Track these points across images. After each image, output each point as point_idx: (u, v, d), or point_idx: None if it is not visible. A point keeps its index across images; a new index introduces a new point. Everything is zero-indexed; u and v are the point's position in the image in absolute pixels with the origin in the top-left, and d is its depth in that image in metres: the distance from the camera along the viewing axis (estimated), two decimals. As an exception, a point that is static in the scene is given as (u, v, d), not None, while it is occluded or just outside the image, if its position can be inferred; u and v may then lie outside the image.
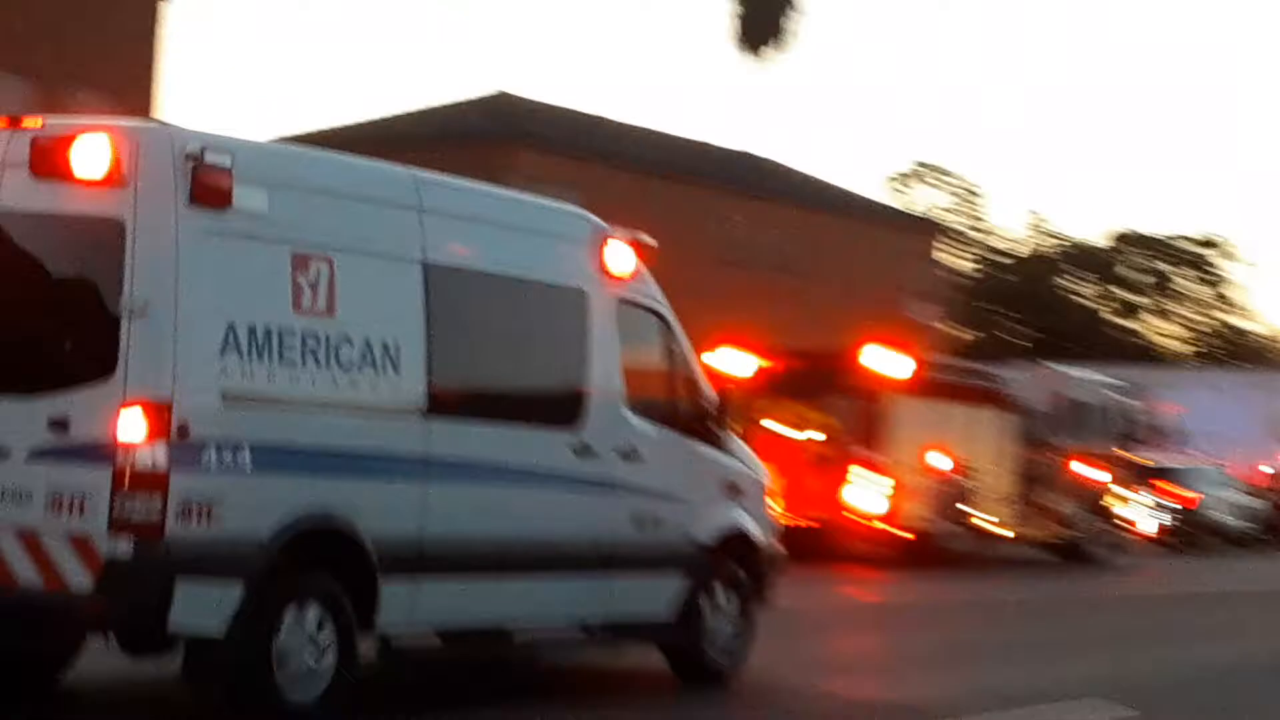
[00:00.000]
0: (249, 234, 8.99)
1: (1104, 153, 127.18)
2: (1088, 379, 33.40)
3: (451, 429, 9.89)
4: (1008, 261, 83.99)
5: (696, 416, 11.78)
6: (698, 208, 44.91)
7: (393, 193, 9.98)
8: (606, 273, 11.20)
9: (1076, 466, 30.69)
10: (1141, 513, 33.43)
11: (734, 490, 12.06)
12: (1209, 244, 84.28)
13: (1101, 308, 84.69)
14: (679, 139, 50.57)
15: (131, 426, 8.49)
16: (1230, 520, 40.01)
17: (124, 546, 8.49)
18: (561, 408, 10.79)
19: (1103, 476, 31.31)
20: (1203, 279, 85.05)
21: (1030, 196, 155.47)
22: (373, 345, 9.47)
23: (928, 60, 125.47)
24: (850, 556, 25.82)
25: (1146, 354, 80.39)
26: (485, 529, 10.13)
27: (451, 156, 40.46)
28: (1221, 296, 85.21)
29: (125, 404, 8.50)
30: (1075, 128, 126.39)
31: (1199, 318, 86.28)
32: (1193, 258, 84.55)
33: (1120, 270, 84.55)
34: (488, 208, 10.79)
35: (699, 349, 12.81)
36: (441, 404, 9.83)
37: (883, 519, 25.48)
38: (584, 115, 48.09)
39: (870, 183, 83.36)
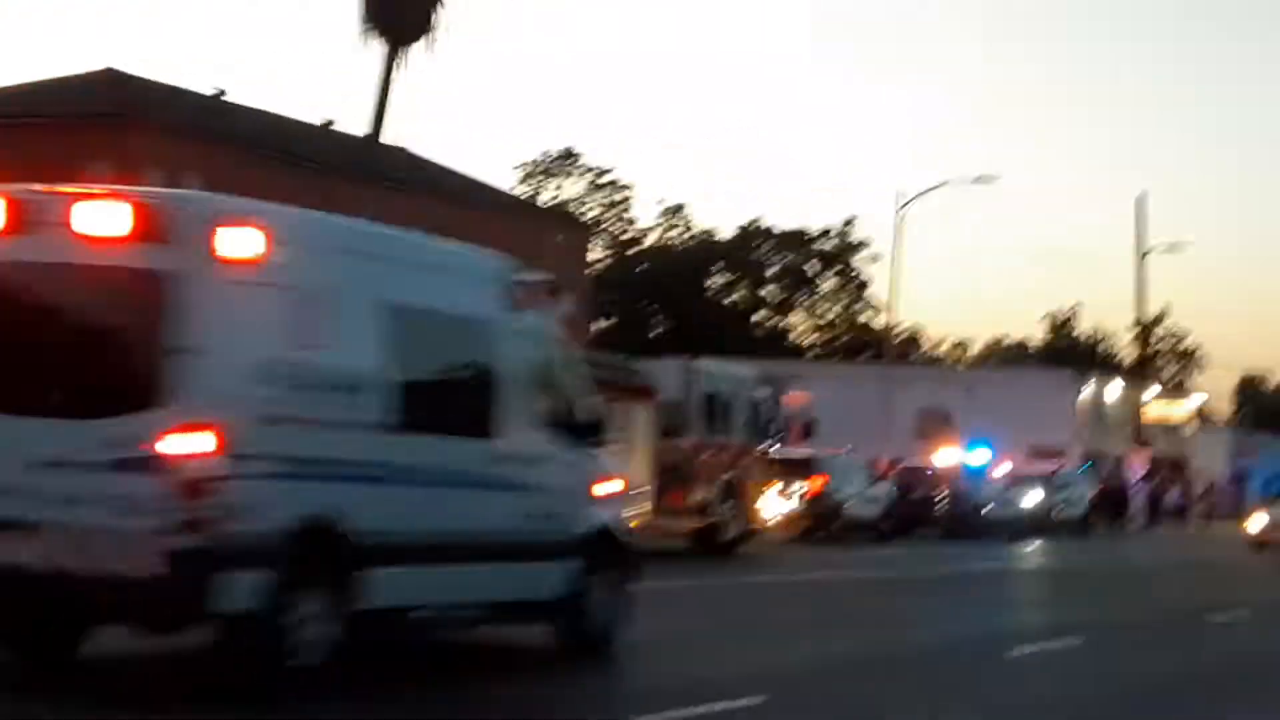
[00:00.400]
0: (265, 283, 10.95)
1: (751, 147, 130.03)
2: (724, 371, 33.81)
3: (407, 441, 11.95)
4: (642, 252, 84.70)
5: (578, 428, 14.01)
6: (322, 196, 43.29)
7: (363, 244, 12.18)
8: (515, 305, 13.36)
9: (712, 456, 30.80)
10: (771, 501, 33.85)
11: None
12: (842, 240, 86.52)
13: (739, 301, 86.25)
14: (304, 124, 48.96)
15: (189, 444, 10.49)
16: (856, 508, 40.80)
17: (181, 540, 10.38)
18: (484, 422, 12.94)
19: (737, 465, 31.48)
20: (837, 274, 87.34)
21: (675, 189, 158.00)
22: (351, 371, 11.58)
23: (570, 50, 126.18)
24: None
25: (786, 348, 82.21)
26: (433, 525, 12.23)
27: (61, 135, 38.15)
28: (856, 290, 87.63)
29: (184, 425, 10.48)
30: (721, 122, 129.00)
31: (835, 312, 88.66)
32: (828, 254, 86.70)
33: (761, 265, 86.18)
34: (428, 254, 13.02)
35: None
36: (399, 420, 11.85)
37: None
38: (202, 96, 45.99)
39: (507, 176, 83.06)
